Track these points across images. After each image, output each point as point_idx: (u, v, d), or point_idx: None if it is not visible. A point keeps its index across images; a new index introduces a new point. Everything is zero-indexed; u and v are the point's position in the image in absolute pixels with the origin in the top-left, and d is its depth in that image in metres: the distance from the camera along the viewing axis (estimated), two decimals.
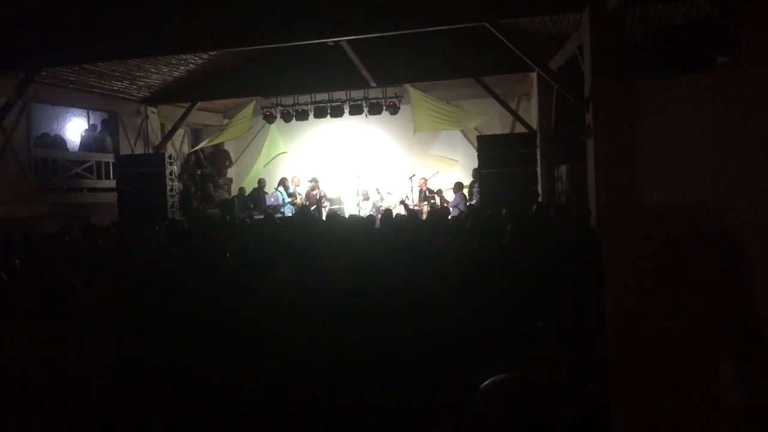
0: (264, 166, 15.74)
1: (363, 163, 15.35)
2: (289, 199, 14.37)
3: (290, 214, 13.41)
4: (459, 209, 12.35)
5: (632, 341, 1.84)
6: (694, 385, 1.78)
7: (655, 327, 1.82)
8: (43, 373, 2.65)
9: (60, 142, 12.39)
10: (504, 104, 13.48)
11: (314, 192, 14.37)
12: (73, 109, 13.09)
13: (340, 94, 14.28)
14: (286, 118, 14.63)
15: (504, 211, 7.21)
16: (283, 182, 14.73)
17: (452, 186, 13.55)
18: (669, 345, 1.80)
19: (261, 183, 14.67)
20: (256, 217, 12.25)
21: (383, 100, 14.06)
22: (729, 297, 1.76)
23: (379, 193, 14.49)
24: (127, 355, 3.39)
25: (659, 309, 1.81)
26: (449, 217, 9.32)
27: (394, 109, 14.12)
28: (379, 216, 9.87)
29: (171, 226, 9.29)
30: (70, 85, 11.74)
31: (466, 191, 13.21)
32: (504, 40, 8.50)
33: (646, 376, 1.82)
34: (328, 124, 15.24)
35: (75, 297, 3.62)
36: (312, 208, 13.40)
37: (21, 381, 2.59)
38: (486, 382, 1.57)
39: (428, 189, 14.05)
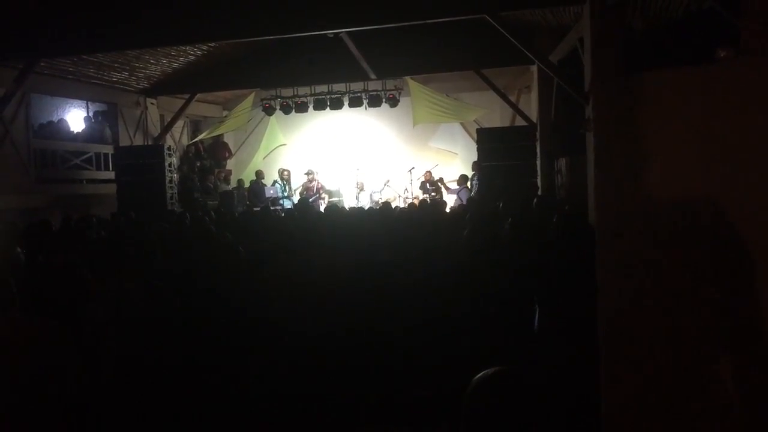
0: (263, 158, 15.73)
1: (362, 156, 15.34)
2: (286, 193, 14.38)
3: (289, 206, 13.42)
4: (461, 199, 12.35)
5: (625, 338, 1.83)
6: (686, 381, 1.77)
7: (649, 323, 1.81)
8: (54, 365, 2.63)
9: (65, 129, 12.41)
10: (504, 97, 13.44)
11: (311, 184, 14.36)
12: (72, 100, 13.07)
13: (339, 87, 14.22)
14: (286, 110, 14.58)
15: (500, 204, 7.19)
16: (282, 174, 14.73)
17: (457, 179, 13.55)
18: (662, 341, 1.79)
19: (259, 175, 14.67)
20: (254, 209, 12.26)
21: (383, 92, 14.00)
22: (724, 294, 1.74)
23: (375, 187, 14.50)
24: (137, 346, 3.39)
25: (652, 304, 1.80)
26: (447, 210, 9.31)
27: (393, 102, 14.07)
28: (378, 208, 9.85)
29: (173, 218, 9.26)
30: (70, 76, 11.70)
31: (468, 184, 13.20)
32: (504, 33, 8.46)
33: (639, 372, 1.81)
34: (328, 116, 15.20)
35: (84, 290, 3.61)
36: (310, 200, 13.40)
37: (30, 374, 2.57)
38: (479, 375, 1.57)
39: (430, 181, 14.04)
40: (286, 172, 14.79)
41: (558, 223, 4.58)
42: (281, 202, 14.06)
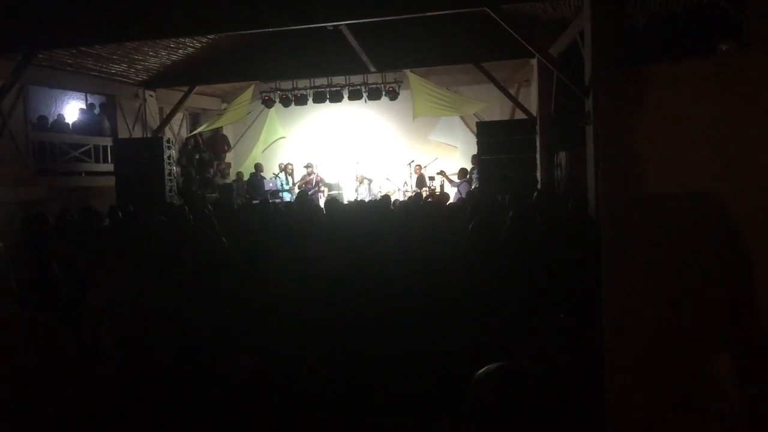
0: (262, 151, 15.70)
1: (362, 149, 15.32)
2: (288, 186, 14.35)
3: (288, 200, 13.40)
4: (461, 193, 12.33)
5: (629, 334, 1.82)
6: (689, 378, 1.76)
7: (653, 320, 1.80)
8: (52, 360, 2.62)
9: (63, 125, 12.38)
10: (504, 90, 13.40)
11: (311, 177, 14.34)
12: (70, 92, 13.03)
13: (339, 79, 14.20)
14: (285, 102, 14.56)
15: (498, 198, 7.18)
16: (285, 167, 14.71)
17: (456, 172, 13.51)
18: (666, 338, 1.79)
19: (258, 168, 14.65)
20: (253, 201, 12.24)
21: (383, 85, 13.98)
22: (729, 291, 1.73)
23: (367, 179, 14.45)
24: (135, 336, 3.40)
25: (657, 301, 1.79)
26: (447, 204, 9.30)
27: (393, 95, 14.04)
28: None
29: (170, 210, 9.24)
30: (68, 68, 11.66)
31: (468, 177, 13.17)
32: (505, 26, 8.43)
33: (643, 368, 1.80)
34: (327, 109, 15.17)
35: (56, 283, 3.60)
36: (309, 193, 13.38)
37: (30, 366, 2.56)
38: (481, 370, 1.57)
39: (426, 176, 13.99)
40: (289, 166, 14.77)
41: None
42: (281, 195, 14.05)
